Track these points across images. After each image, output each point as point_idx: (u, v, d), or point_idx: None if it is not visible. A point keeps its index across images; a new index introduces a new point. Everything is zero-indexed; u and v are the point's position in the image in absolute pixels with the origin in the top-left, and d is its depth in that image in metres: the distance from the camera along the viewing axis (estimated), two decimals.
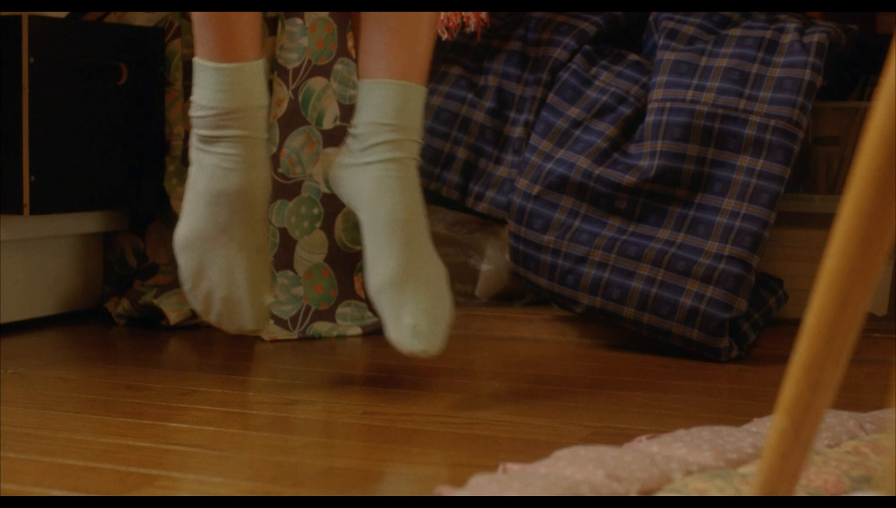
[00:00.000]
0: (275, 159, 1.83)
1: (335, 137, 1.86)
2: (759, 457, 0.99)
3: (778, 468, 0.70)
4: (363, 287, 1.87)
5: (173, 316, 1.83)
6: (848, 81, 1.93)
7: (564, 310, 1.79)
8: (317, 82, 1.85)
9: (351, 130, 1.42)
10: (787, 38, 1.72)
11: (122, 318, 1.89)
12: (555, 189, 1.74)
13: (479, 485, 0.92)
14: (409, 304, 1.34)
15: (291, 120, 1.82)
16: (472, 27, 1.87)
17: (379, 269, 1.36)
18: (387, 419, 1.26)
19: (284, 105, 1.81)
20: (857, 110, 1.79)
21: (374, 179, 1.38)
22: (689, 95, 1.70)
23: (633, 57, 1.85)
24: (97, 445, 1.12)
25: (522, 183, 1.76)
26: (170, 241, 1.96)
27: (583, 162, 1.73)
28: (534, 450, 1.08)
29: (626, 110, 1.77)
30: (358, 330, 1.82)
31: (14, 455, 1.07)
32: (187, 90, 1.94)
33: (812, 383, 0.67)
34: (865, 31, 1.95)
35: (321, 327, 1.80)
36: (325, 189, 1.86)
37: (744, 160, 1.66)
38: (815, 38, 1.70)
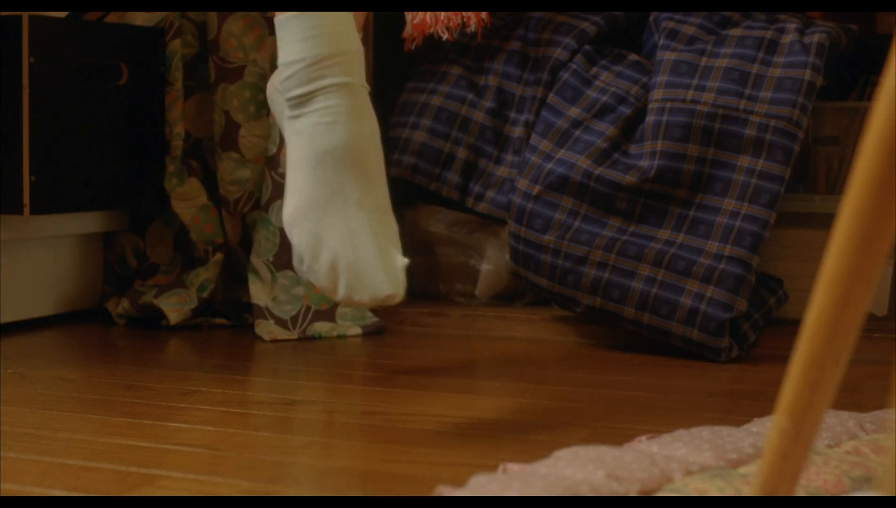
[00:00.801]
0: (275, 159, 1.83)
1: None
2: (759, 457, 0.99)
3: (778, 468, 0.71)
4: None
5: (173, 316, 1.83)
6: (848, 81, 1.93)
7: (564, 310, 1.79)
8: None
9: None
10: (787, 39, 1.72)
11: (122, 318, 1.89)
12: (555, 189, 1.74)
13: (479, 485, 0.92)
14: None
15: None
16: (472, 27, 1.87)
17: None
18: (387, 419, 1.26)
19: None
20: (857, 110, 1.79)
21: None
22: (690, 95, 1.70)
23: (633, 57, 1.85)
24: (97, 445, 1.12)
25: (522, 183, 1.76)
26: (170, 241, 1.96)
27: (583, 162, 1.73)
28: (534, 450, 1.08)
29: (626, 110, 1.77)
30: (358, 330, 1.82)
31: (14, 455, 1.07)
32: (187, 90, 1.95)
33: (812, 383, 0.67)
34: (865, 31, 1.95)
35: (321, 327, 1.80)
36: None
37: (744, 160, 1.66)
38: (815, 38, 1.70)
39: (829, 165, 1.81)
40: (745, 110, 1.68)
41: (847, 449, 1.06)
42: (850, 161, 1.77)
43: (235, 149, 1.89)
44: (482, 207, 1.87)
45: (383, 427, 1.22)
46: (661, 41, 1.78)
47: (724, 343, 1.61)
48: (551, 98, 1.82)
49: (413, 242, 1.94)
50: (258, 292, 1.81)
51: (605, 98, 1.79)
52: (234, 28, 1.90)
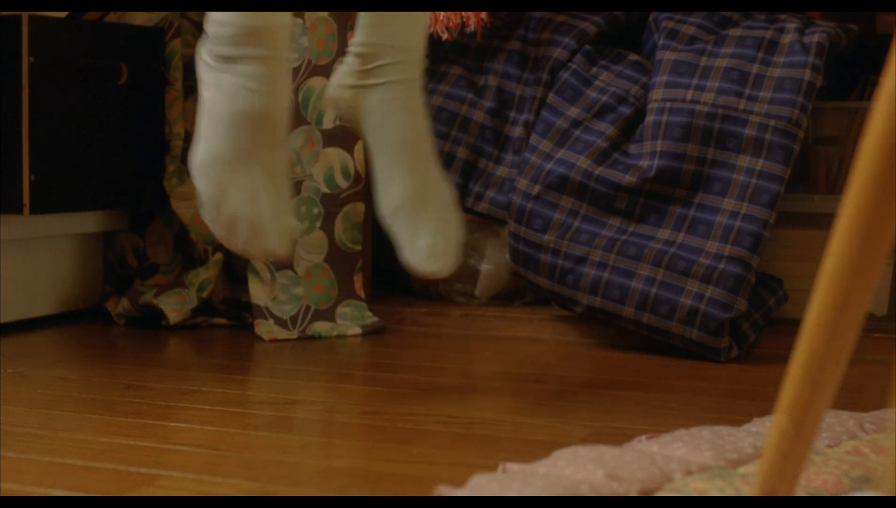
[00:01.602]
0: None
1: (335, 137, 1.86)
2: (759, 457, 0.99)
3: (778, 468, 0.71)
4: (363, 286, 1.87)
5: (173, 316, 1.83)
6: (848, 81, 1.93)
7: (564, 310, 1.79)
8: (317, 82, 1.85)
9: (352, 49, 1.40)
10: (787, 39, 1.72)
11: (122, 318, 1.89)
12: (555, 189, 1.74)
13: (479, 485, 0.92)
14: (423, 226, 1.34)
15: (291, 120, 1.82)
16: (472, 27, 1.87)
17: (391, 192, 1.36)
18: (387, 419, 1.26)
19: None
20: (857, 110, 1.79)
21: (381, 101, 1.37)
22: (689, 95, 1.70)
23: (633, 57, 1.85)
24: (97, 445, 1.12)
25: (522, 183, 1.76)
26: (170, 241, 1.96)
27: (583, 162, 1.73)
28: (534, 450, 1.08)
29: (626, 110, 1.77)
30: (358, 330, 1.82)
31: (14, 455, 1.07)
32: (187, 90, 1.94)
33: (812, 383, 0.67)
34: (865, 31, 1.95)
35: (321, 326, 1.80)
36: (325, 189, 1.86)
37: (744, 160, 1.66)
38: (815, 38, 1.70)
39: (829, 165, 1.81)
40: (745, 110, 1.68)
41: (847, 449, 1.06)
42: (850, 161, 1.77)
43: None
44: (482, 206, 1.87)
45: (383, 427, 1.22)
46: (661, 41, 1.78)
47: (724, 343, 1.61)
48: (551, 98, 1.82)
49: None
50: (258, 292, 1.81)
51: (604, 98, 1.79)
52: None
